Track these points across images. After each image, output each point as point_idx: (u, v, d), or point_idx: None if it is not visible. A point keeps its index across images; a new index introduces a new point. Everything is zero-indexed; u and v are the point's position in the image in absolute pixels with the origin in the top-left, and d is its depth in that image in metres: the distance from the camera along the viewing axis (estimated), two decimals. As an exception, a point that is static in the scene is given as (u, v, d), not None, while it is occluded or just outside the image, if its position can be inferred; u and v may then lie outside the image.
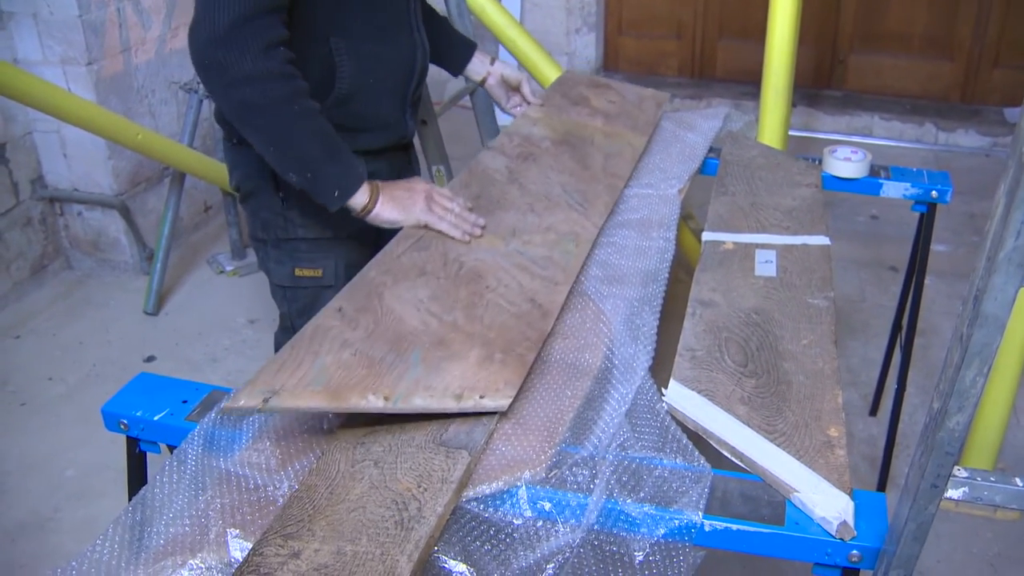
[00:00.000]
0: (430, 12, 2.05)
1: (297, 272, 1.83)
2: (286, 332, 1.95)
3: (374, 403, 1.18)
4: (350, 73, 1.70)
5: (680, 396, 1.32)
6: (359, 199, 1.62)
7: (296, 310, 1.89)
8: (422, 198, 1.65)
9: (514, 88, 2.19)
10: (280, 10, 1.54)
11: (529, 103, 2.20)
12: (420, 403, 1.20)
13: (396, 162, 1.94)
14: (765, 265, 1.70)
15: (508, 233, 1.66)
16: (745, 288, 1.63)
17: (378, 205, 1.63)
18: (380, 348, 1.29)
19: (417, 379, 1.24)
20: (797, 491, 1.13)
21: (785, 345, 1.45)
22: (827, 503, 1.11)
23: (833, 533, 1.09)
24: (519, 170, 1.88)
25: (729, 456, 1.22)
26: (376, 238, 1.89)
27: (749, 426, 1.25)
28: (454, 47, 2.14)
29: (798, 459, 1.19)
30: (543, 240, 1.66)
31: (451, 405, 1.20)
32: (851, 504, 1.12)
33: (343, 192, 1.60)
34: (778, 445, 1.21)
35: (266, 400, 1.16)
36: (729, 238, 1.81)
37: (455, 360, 1.29)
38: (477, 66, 2.16)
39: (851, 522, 1.09)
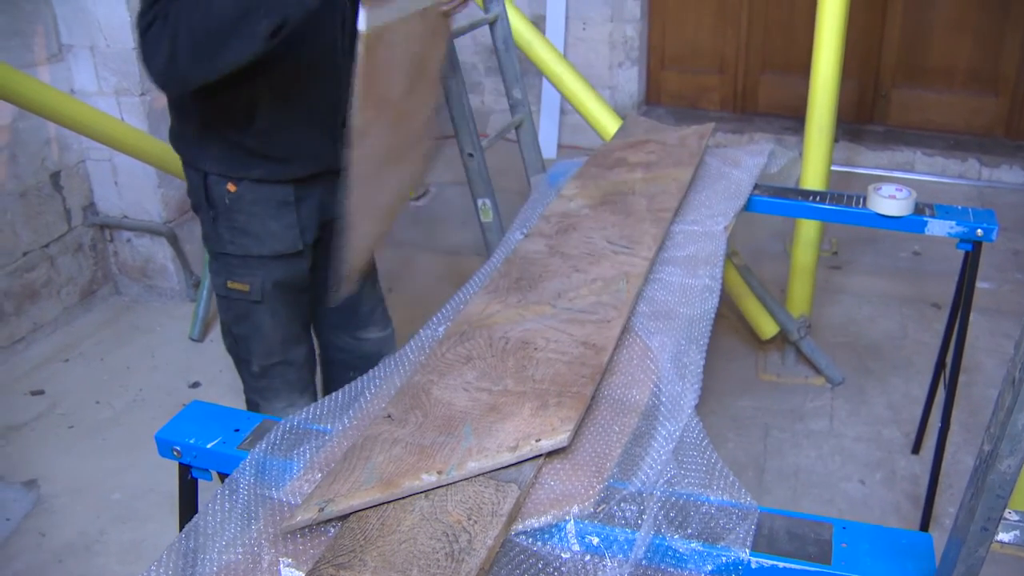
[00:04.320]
0: None
1: (229, 284, 1.93)
2: (226, 337, 2.05)
3: (428, 481, 1.17)
4: (269, 110, 1.78)
5: None
6: None
7: (231, 318, 1.99)
8: None
9: None
10: None
11: None
12: (475, 466, 1.18)
13: (329, 188, 1.93)
14: None
15: (553, 297, 1.62)
16: None
17: None
18: (430, 435, 1.26)
19: (469, 448, 1.22)
20: None
21: None
22: None
23: None
24: (559, 243, 1.84)
25: None
26: (308, 260, 1.97)
27: None
28: None
29: None
30: (590, 291, 1.64)
31: (507, 458, 1.19)
32: None
33: None
34: None
35: (321, 509, 1.14)
36: None
37: (508, 419, 1.27)
38: None
39: None
